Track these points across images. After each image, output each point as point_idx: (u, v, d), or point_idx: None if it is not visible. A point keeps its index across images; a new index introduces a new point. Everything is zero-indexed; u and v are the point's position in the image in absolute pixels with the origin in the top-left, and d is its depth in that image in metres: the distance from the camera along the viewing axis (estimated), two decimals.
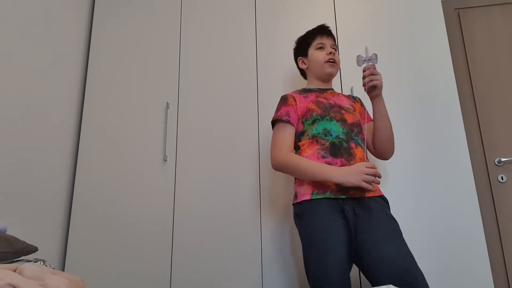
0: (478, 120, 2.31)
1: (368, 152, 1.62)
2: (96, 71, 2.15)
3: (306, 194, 1.36)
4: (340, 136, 1.40)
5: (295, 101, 1.50)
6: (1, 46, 1.62)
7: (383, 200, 1.38)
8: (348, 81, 1.90)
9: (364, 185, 1.25)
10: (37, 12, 1.84)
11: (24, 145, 1.72)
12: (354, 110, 1.52)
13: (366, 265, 1.24)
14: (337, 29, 1.99)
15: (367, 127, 1.57)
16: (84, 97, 2.13)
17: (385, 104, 1.83)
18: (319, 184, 1.35)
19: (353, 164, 1.32)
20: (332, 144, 1.39)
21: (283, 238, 1.76)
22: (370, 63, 1.39)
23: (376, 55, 1.38)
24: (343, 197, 1.33)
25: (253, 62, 2.01)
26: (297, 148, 1.49)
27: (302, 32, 2.00)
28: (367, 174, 1.26)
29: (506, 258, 2.09)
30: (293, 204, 1.42)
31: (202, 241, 1.82)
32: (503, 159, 2.20)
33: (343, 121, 1.44)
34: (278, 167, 1.42)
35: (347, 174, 1.28)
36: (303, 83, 1.94)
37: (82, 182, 1.99)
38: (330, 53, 1.53)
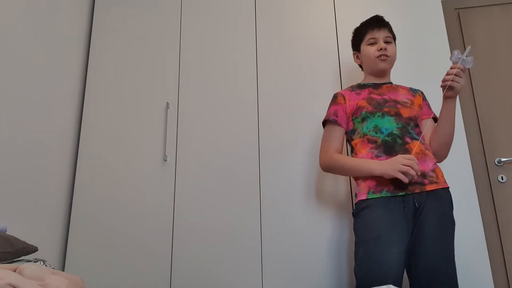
0: (478, 120, 2.31)
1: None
2: (96, 71, 2.15)
3: (363, 193, 1.36)
4: (394, 131, 1.38)
5: (344, 99, 1.49)
6: (1, 46, 1.62)
7: (445, 193, 1.34)
8: (348, 82, 1.90)
9: (401, 176, 1.24)
10: (36, 12, 1.84)
11: (24, 145, 1.72)
12: (412, 104, 1.46)
13: (408, 264, 1.29)
14: (337, 29, 1.99)
15: (429, 124, 1.50)
16: (84, 97, 2.13)
17: None
18: (375, 184, 1.34)
19: None
20: (385, 142, 1.37)
21: (283, 238, 1.76)
22: (462, 65, 1.30)
23: (472, 59, 1.29)
24: (401, 194, 1.31)
25: (253, 62, 2.01)
26: (351, 148, 1.49)
27: (302, 32, 2.01)
28: (404, 165, 1.25)
29: (506, 258, 2.09)
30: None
31: (202, 241, 1.82)
32: (503, 159, 2.20)
33: (398, 115, 1.40)
34: (326, 168, 1.47)
35: (386, 166, 1.28)
36: (304, 83, 1.94)
37: (82, 182, 1.99)
38: (381, 48, 1.47)
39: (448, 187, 1.37)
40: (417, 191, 1.30)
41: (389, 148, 1.36)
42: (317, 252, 1.72)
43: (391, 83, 1.54)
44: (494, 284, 2.07)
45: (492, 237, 2.14)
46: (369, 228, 1.30)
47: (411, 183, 1.31)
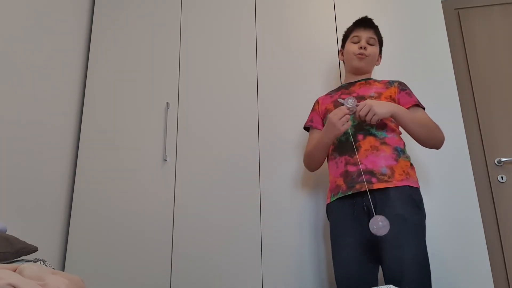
0: (478, 120, 2.31)
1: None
2: (96, 71, 2.15)
3: (328, 198, 1.48)
4: (348, 130, 1.40)
5: (318, 104, 1.59)
6: (1, 46, 1.62)
7: (398, 192, 1.30)
8: None
9: (344, 128, 1.32)
10: (36, 13, 1.84)
11: (24, 145, 1.72)
12: (379, 96, 1.43)
13: (379, 264, 1.32)
14: (337, 29, 1.99)
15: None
16: (84, 97, 2.13)
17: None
18: (334, 186, 1.43)
19: (355, 158, 1.36)
20: (339, 141, 1.44)
21: (283, 238, 1.76)
22: (352, 109, 1.34)
23: (350, 100, 1.33)
24: (349, 193, 1.35)
25: (253, 62, 2.01)
26: None
27: (302, 32, 2.01)
28: (340, 120, 1.32)
29: (506, 258, 2.09)
30: None
31: (202, 241, 1.82)
32: (503, 159, 2.20)
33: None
34: (306, 164, 1.56)
35: (327, 130, 1.37)
36: (303, 83, 1.94)
37: (82, 182, 1.99)
38: (361, 47, 1.49)
39: (406, 185, 1.32)
40: (363, 189, 1.31)
41: (341, 148, 1.42)
42: (318, 251, 1.72)
43: (368, 79, 1.54)
44: (494, 284, 2.07)
45: (492, 237, 2.14)
46: (331, 232, 1.42)
47: (358, 181, 1.34)
